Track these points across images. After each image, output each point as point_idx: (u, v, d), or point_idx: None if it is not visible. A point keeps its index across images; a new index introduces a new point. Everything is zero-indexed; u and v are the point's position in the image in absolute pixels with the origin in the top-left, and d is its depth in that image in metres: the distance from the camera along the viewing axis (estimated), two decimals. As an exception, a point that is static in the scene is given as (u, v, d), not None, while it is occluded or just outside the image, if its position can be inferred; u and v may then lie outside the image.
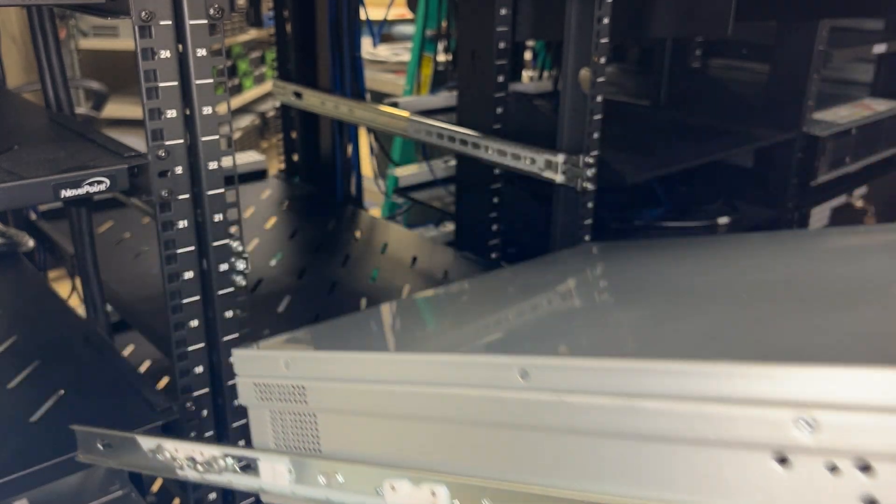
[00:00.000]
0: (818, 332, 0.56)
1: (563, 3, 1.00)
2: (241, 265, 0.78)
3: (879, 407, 0.43)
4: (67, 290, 1.19)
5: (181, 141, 0.72)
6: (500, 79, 1.19)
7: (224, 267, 0.77)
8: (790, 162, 1.50)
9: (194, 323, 0.78)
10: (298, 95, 1.48)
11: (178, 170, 0.72)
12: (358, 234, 1.40)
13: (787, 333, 0.57)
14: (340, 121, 1.50)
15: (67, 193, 0.65)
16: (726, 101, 1.62)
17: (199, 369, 0.80)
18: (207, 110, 0.72)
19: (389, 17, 1.87)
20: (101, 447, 0.71)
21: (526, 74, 1.94)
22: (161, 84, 0.69)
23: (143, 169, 0.70)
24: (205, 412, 0.82)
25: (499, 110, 1.20)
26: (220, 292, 0.78)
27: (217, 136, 0.73)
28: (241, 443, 0.84)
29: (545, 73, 1.88)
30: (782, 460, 0.46)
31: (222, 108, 0.73)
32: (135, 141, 0.74)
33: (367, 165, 1.63)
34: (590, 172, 1.03)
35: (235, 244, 0.77)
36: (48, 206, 1.24)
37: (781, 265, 0.82)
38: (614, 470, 0.53)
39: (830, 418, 0.44)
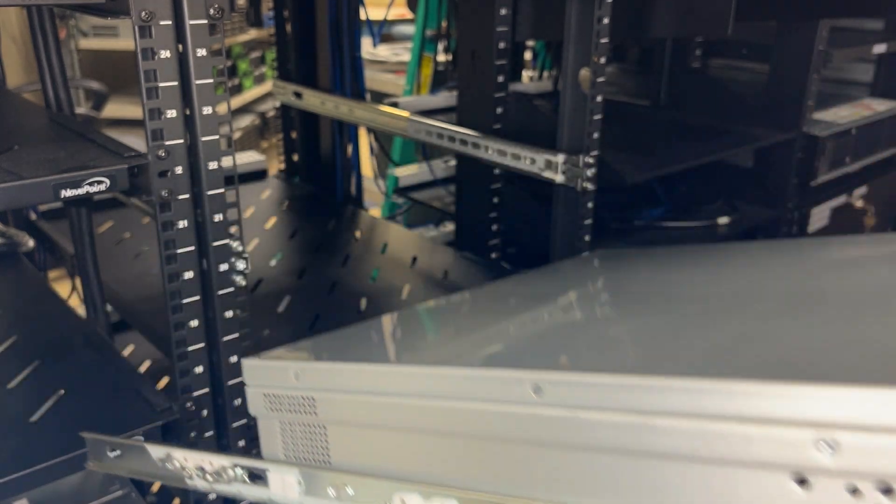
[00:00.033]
0: (838, 349, 0.55)
1: (563, 3, 1.00)
2: (241, 265, 0.78)
3: (902, 429, 0.42)
4: (67, 290, 1.19)
5: (181, 141, 0.72)
6: (500, 79, 1.19)
7: (224, 267, 0.77)
8: (790, 162, 1.49)
9: (194, 323, 0.78)
10: (298, 95, 1.48)
11: (178, 170, 0.72)
12: (358, 234, 1.40)
13: (805, 349, 0.56)
14: (340, 121, 1.50)
15: (67, 193, 0.65)
16: (726, 101, 1.61)
17: (199, 369, 0.80)
18: (207, 110, 0.72)
19: (389, 17, 1.87)
20: (110, 455, 0.70)
21: (526, 74, 1.94)
22: (161, 84, 0.69)
23: (143, 169, 0.70)
24: (205, 412, 0.82)
25: (499, 110, 1.20)
26: (220, 292, 0.78)
27: (217, 136, 0.73)
28: (242, 443, 0.84)
29: (545, 73, 1.88)
30: (802, 481, 0.45)
31: (222, 108, 0.73)
32: (135, 141, 0.74)
33: (367, 165, 1.63)
34: (590, 172, 1.03)
35: (235, 244, 0.77)
36: (48, 206, 1.24)
37: (795, 276, 0.81)
38: (629, 488, 0.52)
39: (852, 440, 0.43)
